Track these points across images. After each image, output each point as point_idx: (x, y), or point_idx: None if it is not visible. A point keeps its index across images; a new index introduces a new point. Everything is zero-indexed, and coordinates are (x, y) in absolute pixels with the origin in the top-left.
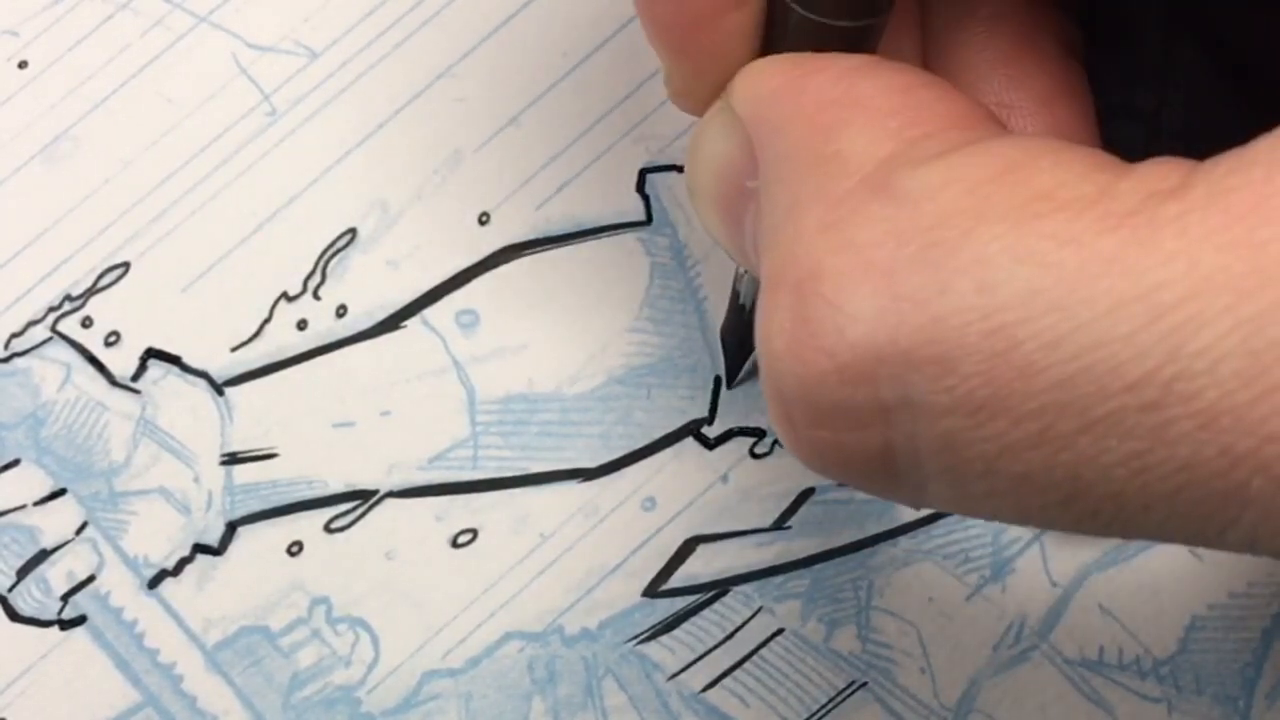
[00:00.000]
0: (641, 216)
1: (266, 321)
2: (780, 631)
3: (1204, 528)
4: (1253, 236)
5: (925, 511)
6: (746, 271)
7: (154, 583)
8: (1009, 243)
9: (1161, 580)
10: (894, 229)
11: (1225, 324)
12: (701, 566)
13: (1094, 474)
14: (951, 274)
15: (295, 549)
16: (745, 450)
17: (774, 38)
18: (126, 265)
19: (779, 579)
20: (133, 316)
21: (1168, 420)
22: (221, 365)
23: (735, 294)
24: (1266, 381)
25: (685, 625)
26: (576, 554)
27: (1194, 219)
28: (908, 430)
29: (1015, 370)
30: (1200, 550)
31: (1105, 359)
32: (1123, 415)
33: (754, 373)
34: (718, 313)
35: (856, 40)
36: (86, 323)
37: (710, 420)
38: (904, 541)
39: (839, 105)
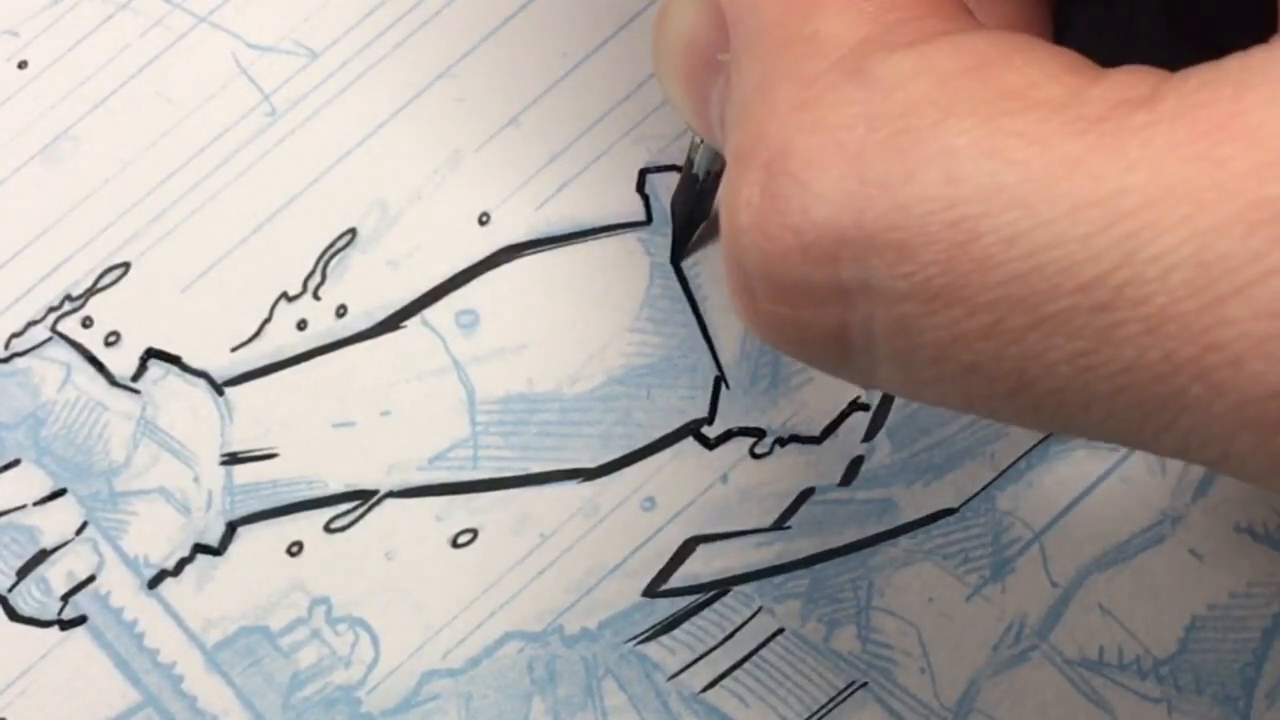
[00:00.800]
0: (641, 216)
1: (266, 321)
2: (780, 631)
3: (1140, 429)
4: (1216, 152)
5: (925, 511)
6: (703, 142)
7: (154, 583)
8: (977, 137)
9: (1161, 580)
10: (865, 113)
11: (1181, 234)
12: (701, 566)
13: (1040, 369)
14: (919, 163)
15: (295, 549)
16: (745, 450)
17: None
18: (127, 265)
19: (779, 579)
20: (133, 316)
21: (1115, 323)
22: (222, 365)
23: (689, 163)
24: (1214, 292)
25: (685, 625)
26: (576, 554)
27: (1160, 130)
28: (864, 312)
29: (973, 262)
30: (1201, 550)
31: (1061, 258)
32: (1072, 314)
33: (700, 244)
34: (718, 312)
35: None
36: (87, 323)
37: (710, 420)
38: (904, 541)
39: None
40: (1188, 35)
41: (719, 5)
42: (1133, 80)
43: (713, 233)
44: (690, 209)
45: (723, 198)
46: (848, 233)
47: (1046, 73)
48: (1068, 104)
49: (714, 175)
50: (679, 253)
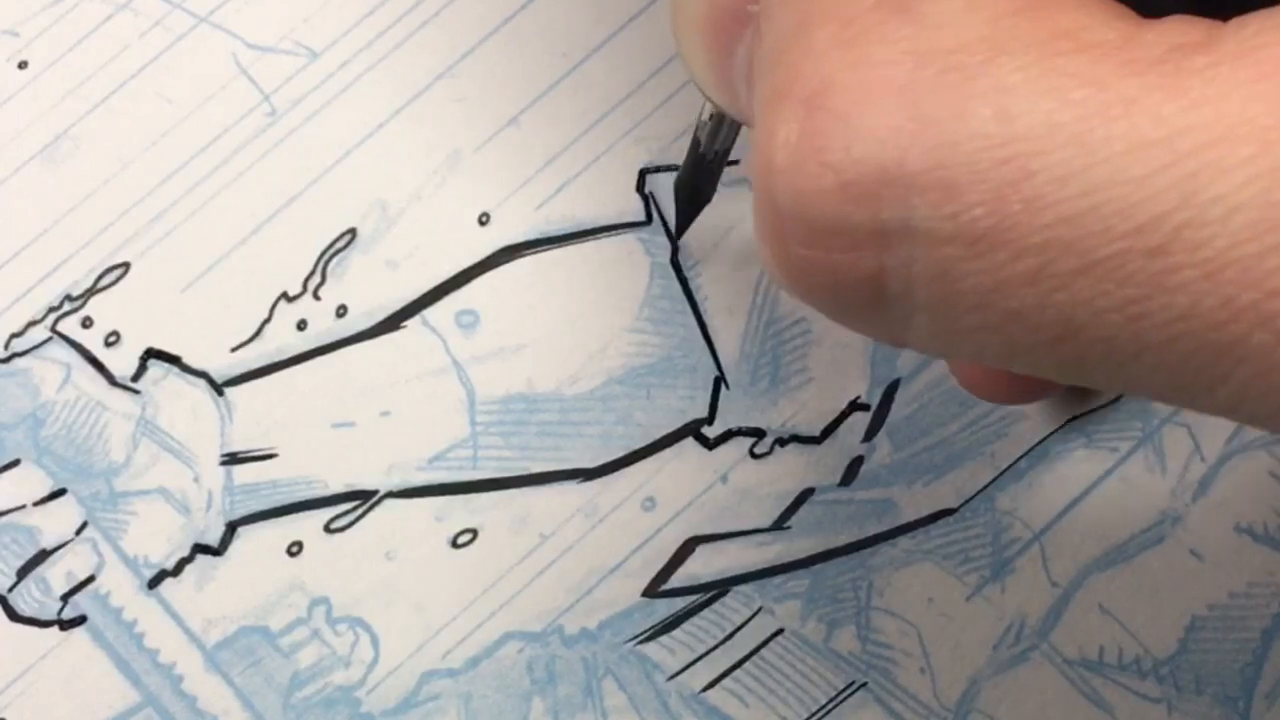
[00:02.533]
0: (641, 217)
1: (266, 322)
2: (780, 632)
3: (1194, 382)
4: None
5: (925, 511)
6: (711, 117)
7: (154, 583)
8: (1031, 75)
9: (1161, 580)
10: (913, 49)
11: (1245, 174)
12: (701, 567)
13: (1087, 316)
14: (970, 99)
15: (295, 549)
16: (745, 451)
17: None
18: (126, 265)
19: (779, 579)
20: (133, 317)
21: (1171, 267)
22: (221, 365)
23: (696, 141)
24: (1279, 235)
25: (685, 625)
26: (576, 554)
27: (1222, 71)
28: (904, 256)
29: (1023, 202)
30: (1201, 550)
31: (1116, 199)
32: (1125, 259)
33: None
34: (718, 313)
35: None
36: (86, 323)
37: (710, 420)
38: (903, 542)
39: None
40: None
41: None
42: (1186, 26)
43: (715, 237)
44: (696, 188)
45: (755, 142)
46: (890, 170)
47: (1097, 17)
48: (1122, 46)
49: (721, 154)
50: (681, 233)
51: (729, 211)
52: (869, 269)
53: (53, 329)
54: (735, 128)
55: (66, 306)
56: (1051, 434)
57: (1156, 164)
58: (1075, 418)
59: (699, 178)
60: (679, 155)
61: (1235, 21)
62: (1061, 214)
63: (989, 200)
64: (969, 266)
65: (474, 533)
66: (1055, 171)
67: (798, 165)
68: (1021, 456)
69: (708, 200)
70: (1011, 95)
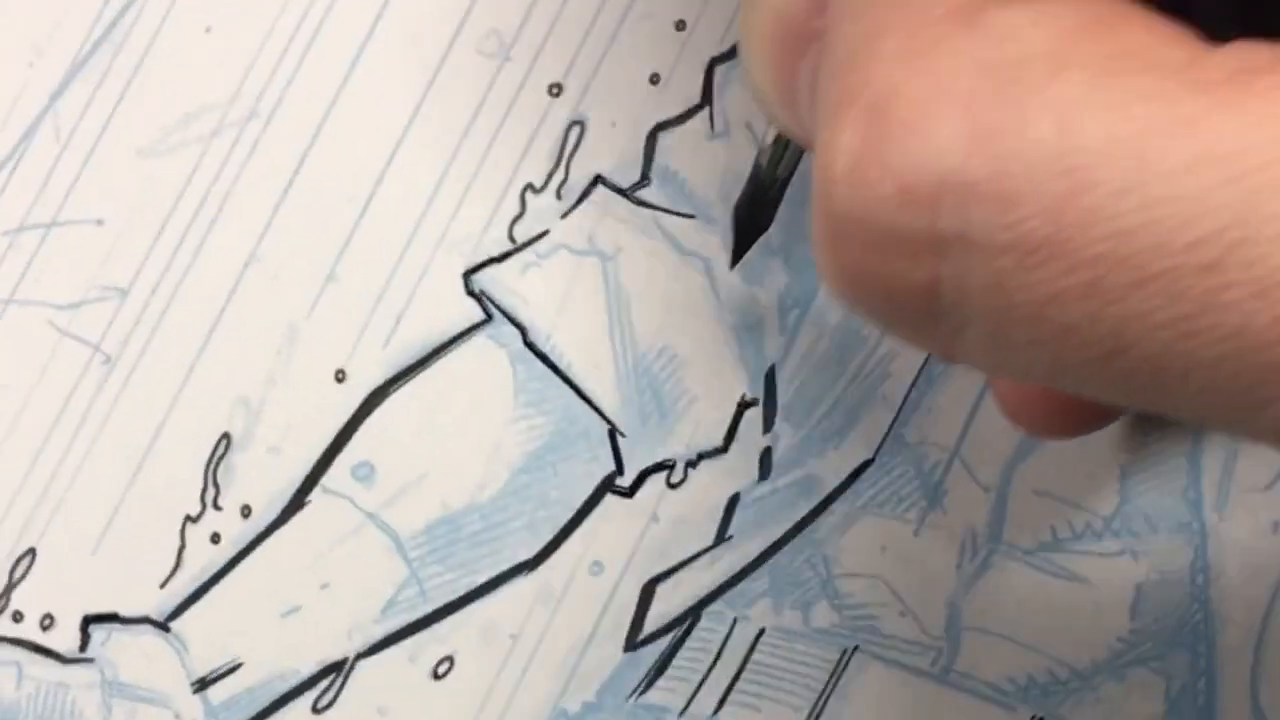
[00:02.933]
0: (481, 316)
1: (182, 548)
2: (762, 632)
3: (1241, 403)
4: None
5: (846, 472)
6: (774, 142)
7: None
8: (1094, 89)
9: (1080, 446)
10: (978, 61)
11: None
12: (667, 604)
13: (1139, 332)
14: (1032, 111)
15: None
16: (662, 485)
17: None
18: (33, 551)
19: (740, 586)
20: (57, 595)
21: (1223, 284)
22: (157, 604)
23: (756, 168)
24: None
25: (674, 662)
26: (549, 639)
27: None
28: (960, 265)
29: (1080, 214)
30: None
31: (1173, 214)
32: (1179, 274)
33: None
34: (586, 373)
35: None
36: (17, 617)
37: (620, 471)
38: (838, 508)
39: None
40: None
41: None
42: (1252, 50)
43: (554, 305)
44: (754, 216)
45: (817, 149)
46: (950, 179)
47: (1163, 37)
48: (1187, 66)
49: (782, 182)
50: (737, 260)
51: (558, 275)
52: (924, 278)
53: None
54: (797, 155)
55: None
56: (928, 359)
57: (1214, 180)
58: None
59: (757, 204)
60: (492, 247)
61: None
62: (1118, 227)
63: (1047, 211)
64: (1024, 278)
65: (450, 659)
66: (1114, 185)
67: (859, 171)
68: (911, 387)
69: (765, 228)
70: (1074, 108)
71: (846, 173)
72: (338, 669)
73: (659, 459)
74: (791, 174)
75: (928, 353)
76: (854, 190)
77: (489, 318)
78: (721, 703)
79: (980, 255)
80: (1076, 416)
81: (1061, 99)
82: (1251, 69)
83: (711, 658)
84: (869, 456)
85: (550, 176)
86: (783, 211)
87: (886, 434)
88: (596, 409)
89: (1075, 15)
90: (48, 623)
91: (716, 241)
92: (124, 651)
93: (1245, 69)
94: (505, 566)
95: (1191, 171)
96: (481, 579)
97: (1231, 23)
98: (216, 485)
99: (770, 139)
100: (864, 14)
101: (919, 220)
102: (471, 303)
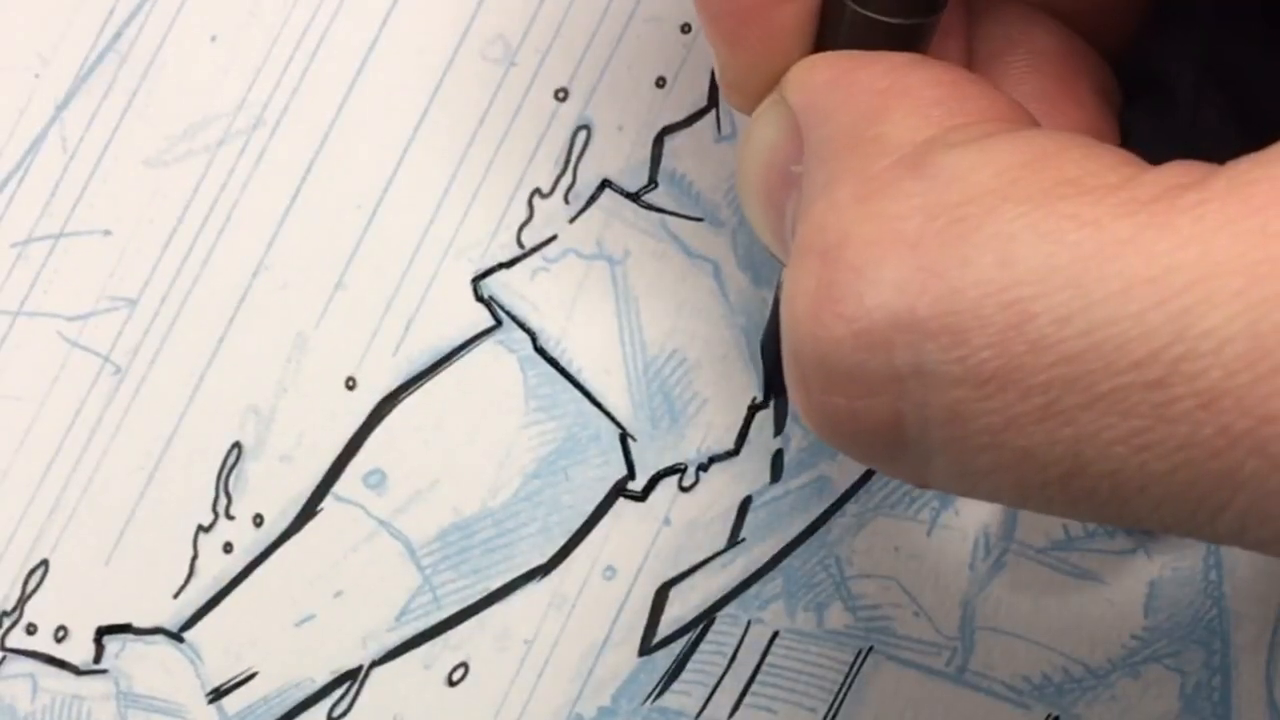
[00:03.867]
0: (490, 322)
1: (195, 558)
2: (776, 634)
3: (1197, 510)
4: (1268, 227)
5: (857, 474)
6: None
7: None
8: (1031, 221)
9: None
10: (923, 204)
11: (1234, 307)
12: (680, 608)
13: (1095, 450)
14: (974, 248)
15: None
16: (674, 488)
17: (827, 34)
18: (46, 563)
19: (754, 589)
20: (70, 606)
21: (1170, 399)
22: (171, 614)
23: (776, 301)
24: (1269, 364)
25: (689, 666)
26: (564, 644)
27: (1212, 208)
28: (918, 399)
29: (1027, 343)
30: None
31: (1114, 336)
32: (1127, 392)
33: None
34: (596, 377)
35: (908, 38)
36: (31, 629)
37: (632, 476)
38: (850, 509)
39: (886, 94)
40: (1251, 140)
41: (796, 121)
42: (1185, 168)
43: (563, 312)
44: (779, 349)
45: (784, 292)
46: (902, 318)
47: (1103, 164)
48: (1121, 188)
49: None
50: (770, 393)
51: (567, 280)
52: (886, 414)
53: (2, 647)
54: None
55: (6, 622)
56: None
57: (1150, 301)
58: None
59: (779, 338)
60: (500, 254)
61: (1232, 162)
62: (1064, 353)
63: (995, 343)
64: (980, 407)
65: (464, 666)
66: (1056, 313)
67: (815, 315)
68: None
69: None
70: (1013, 242)
71: (805, 317)
72: (352, 677)
73: (670, 462)
74: None
75: (907, 483)
76: (812, 332)
77: (498, 323)
78: (737, 705)
79: (936, 388)
80: None
81: (1000, 234)
82: (1180, 185)
83: (726, 661)
84: None
85: (558, 181)
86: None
87: None
88: (607, 413)
89: (1018, 152)
90: (61, 634)
91: (724, 244)
92: (138, 662)
93: (1175, 185)
94: (518, 572)
95: (1126, 295)
96: (495, 585)
97: (1204, 95)
98: (228, 494)
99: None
100: (825, 162)
101: (875, 359)
102: (481, 309)
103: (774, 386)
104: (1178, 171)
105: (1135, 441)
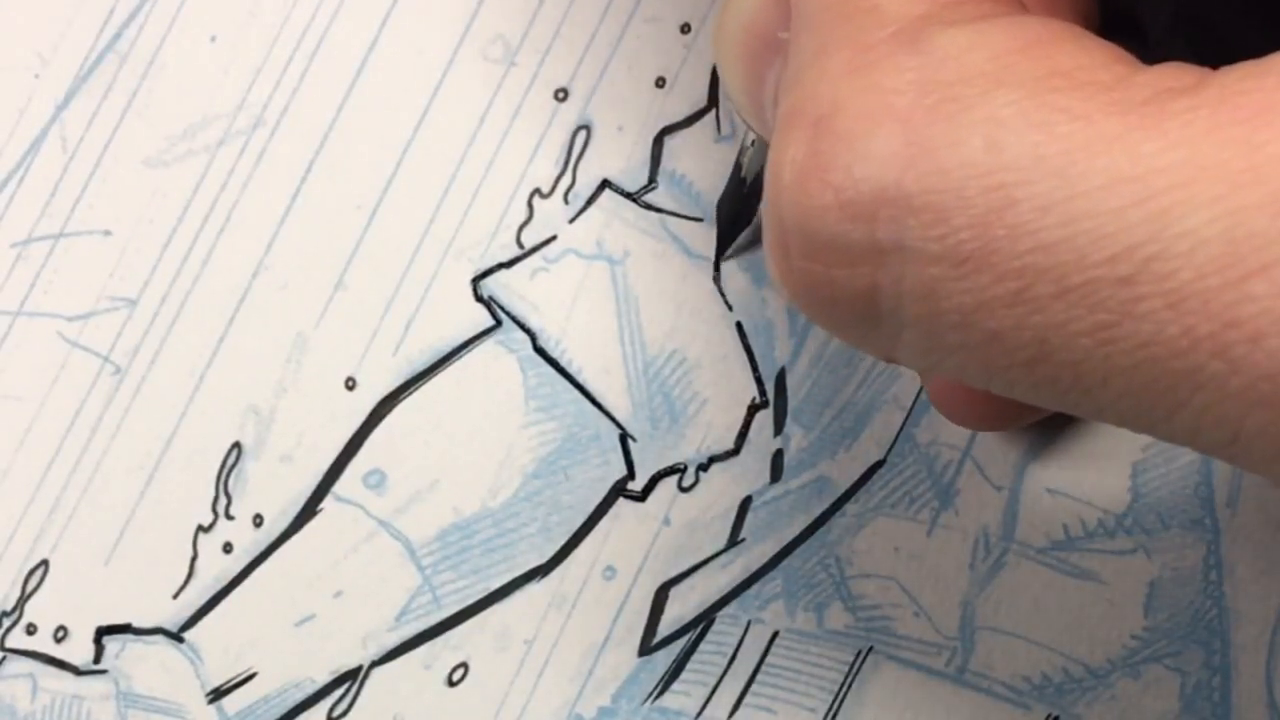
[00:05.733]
0: (490, 322)
1: (195, 558)
2: (776, 634)
3: (1155, 406)
4: (1254, 137)
5: (858, 473)
6: (753, 143)
7: None
8: (1023, 109)
9: (1093, 443)
10: (917, 80)
11: (1212, 212)
12: (680, 608)
13: (1061, 340)
14: (964, 129)
15: None
16: (673, 489)
17: None
18: (46, 563)
19: (754, 589)
20: (70, 606)
21: (1138, 296)
22: (170, 615)
23: (738, 166)
24: (1239, 270)
25: (689, 666)
26: (564, 645)
27: (1201, 114)
28: (895, 273)
29: (1006, 228)
30: None
31: (1091, 230)
32: (1097, 286)
33: (745, 248)
34: (596, 377)
35: None
36: (31, 629)
37: (632, 476)
38: (850, 509)
39: None
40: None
41: None
42: (1178, 71)
43: (563, 311)
44: (736, 211)
45: (769, 158)
46: (888, 192)
47: (1095, 59)
48: (1113, 86)
49: (759, 178)
50: (721, 254)
51: (566, 280)
52: (863, 285)
53: (2, 647)
54: None
55: (6, 622)
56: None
57: (1131, 199)
58: None
59: (738, 201)
60: (500, 253)
61: (1225, 68)
62: (1041, 241)
63: (975, 225)
64: (954, 286)
65: (464, 666)
66: (1037, 201)
67: (802, 182)
68: (921, 389)
69: (747, 223)
70: (1002, 127)
71: (791, 184)
72: (352, 677)
73: (670, 462)
74: None
75: (870, 355)
76: (798, 200)
77: (498, 323)
78: (737, 705)
79: (914, 264)
80: (1004, 413)
81: (991, 118)
82: (1173, 89)
83: (726, 660)
84: (880, 457)
85: (557, 181)
86: None
87: (898, 435)
88: (607, 413)
89: (1013, 37)
90: (61, 634)
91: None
92: (138, 663)
93: (1167, 89)
94: (518, 572)
95: (1109, 190)
96: (495, 585)
97: (1176, 39)
98: (228, 495)
99: (750, 138)
100: (816, 31)
101: (858, 230)
102: (480, 309)
103: (723, 247)
104: (1171, 74)
105: (1101, 335)
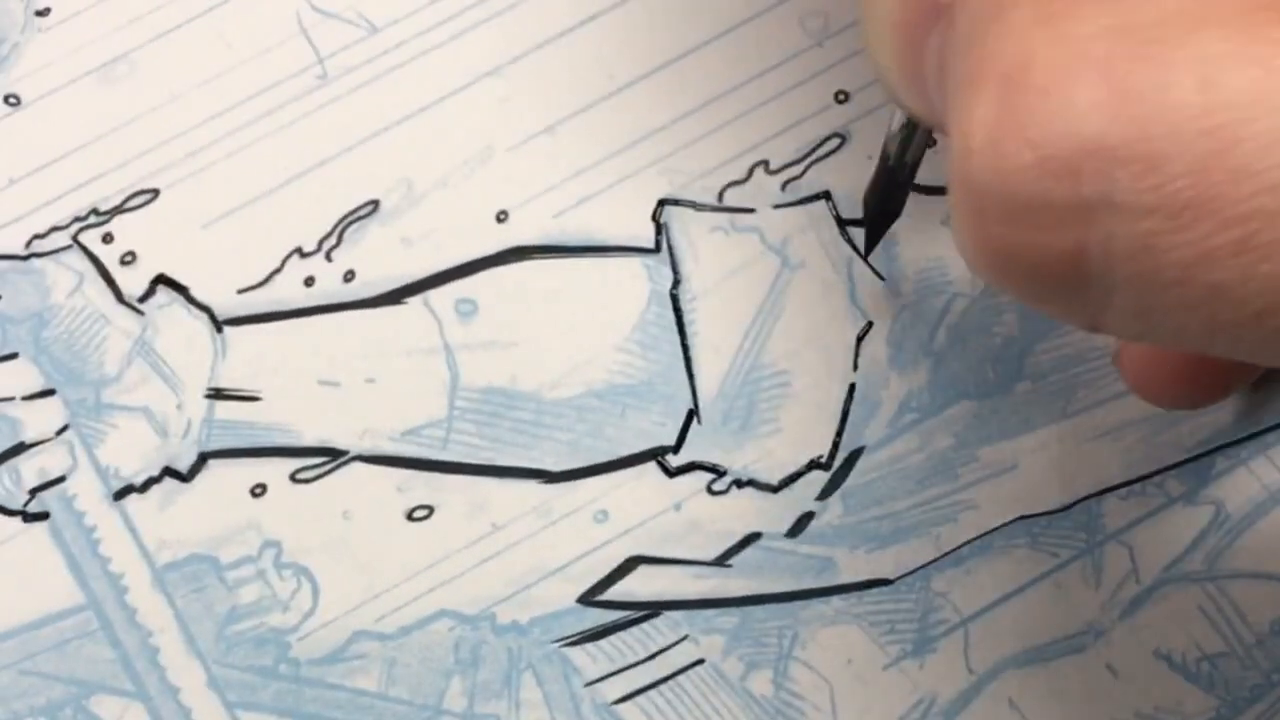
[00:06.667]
0: (651, 244)
1: (276, 272)
2: (700, 662)
3: None
4: None
5: (863, 576)
6: (902, 129)
7: (120, 495)
8: (1235, 45)
9: (1074, 688)
10: (1113, 25)
11: None
12: (638, 585)
13: None
14: (1173, 69)
15: (259, 490)
16: (703, 485)
17: None
18: (156, 192)
19: (709, 612)
20: (152, 241)
21: None
22: (225, 304)
23: (885, 156)
24: None
25: (612, 637)
26: (523, 550)
27: None
28: (1105, 231)
29: (1228, 172)
30: (1117, 666)
31: None
32: None
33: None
34: (704, 349)
35: None
36: (107, 238)
37: (676, 450)
38: (836, 601)
39: None
40: None
41: None
42: None
43: (720, 276)
44: (884, 202)
45: (952, 124)
46: (1092, 144)
47: None
48: None
49: (911, 167)
50: (871, 249)
51: (737, 253)
52: (1069, 246)
53: (74, 238)
54: (925, 139)
55: (92, 219)
56: (998, 528)
57: None
58: (1024, 518)
59: (887, 191)
60: (699, 193)
61: None
62: (1266, 182)
63: (1193, 171)
64: (1172, 239)
65: (430, 510)
66: (1261, 140)
67: (997, 143)
68: (965, 543)
69: (897, 215)
70: (1215, 64)
71: (984, 146)
72: (334, 456)
73: (716, 461)
74: (920, 158)
75: (1073, 326)
76: (993, 163)
77: (656, 249)
78: (626, 697)
79: (1126, 219)
80: (1199, 387)
81: (1201, 57)
82: None
83: (645, 654)
84: (890, 577)
85: (787, 167)
86: (951, 332)
87: (918, 568)
88: (693, 385)
89: None
90: (128, 259)
91: (889, 310)
92: (172, 325)
93: None
94: (528, 465)
95: None
96: (501, 461)
97: None
98: (340, 239)
99: (897, 124)
100: None
101: (1061, 188)
102: (652, 228)
103: (872, 241)
104: None
105: None
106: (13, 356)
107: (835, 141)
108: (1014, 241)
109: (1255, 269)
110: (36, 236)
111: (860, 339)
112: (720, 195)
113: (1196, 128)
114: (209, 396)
